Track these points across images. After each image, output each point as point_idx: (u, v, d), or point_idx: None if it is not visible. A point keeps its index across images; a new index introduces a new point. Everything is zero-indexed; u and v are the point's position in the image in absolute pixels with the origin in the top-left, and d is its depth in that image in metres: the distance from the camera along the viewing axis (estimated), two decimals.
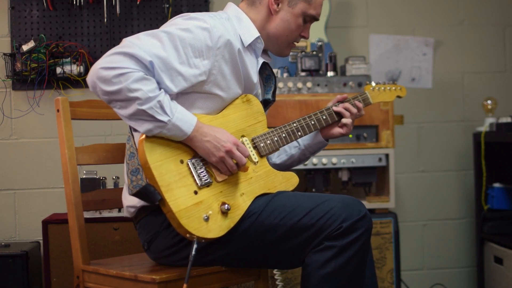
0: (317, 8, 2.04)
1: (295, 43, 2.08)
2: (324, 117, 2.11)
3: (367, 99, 2.21)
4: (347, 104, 2.13)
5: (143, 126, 1.77)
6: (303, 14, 2.02)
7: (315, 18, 2.05)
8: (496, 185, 3.23)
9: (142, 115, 1.75)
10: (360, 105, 2.16)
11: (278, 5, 2.00)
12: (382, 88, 2.27)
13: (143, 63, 1.74)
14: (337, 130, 2.13)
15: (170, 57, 1.79)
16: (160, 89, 1.78)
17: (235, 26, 1.97)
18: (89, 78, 1.76)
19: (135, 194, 1.79)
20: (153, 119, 1.75)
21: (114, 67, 1.72)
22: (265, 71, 2.10)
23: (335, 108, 2.12)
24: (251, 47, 2.00)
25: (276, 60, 3.01)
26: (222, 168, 1.85)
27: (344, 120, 2.12)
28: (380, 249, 2.92)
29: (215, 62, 1.87)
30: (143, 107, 1.73)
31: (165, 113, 1.76)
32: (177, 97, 1.87)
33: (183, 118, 1.79)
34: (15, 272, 2.82)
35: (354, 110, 2.13)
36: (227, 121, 1.92)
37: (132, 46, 1.75)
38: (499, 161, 3.29)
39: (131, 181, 1.87)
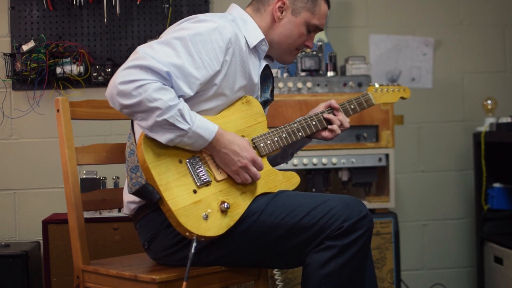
0: (320, 19, 2.05)
1: (298, 50, 2.09)
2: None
3: (369, 100, 2.20)
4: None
5: (164, 136, 1.77)
6: (306, 23, 2.03)
7: (319, 28, 2.07)
8: (496, 185, 3.23)
9: (163, 125, 1.75)
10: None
11: (282, 13, 2.02)
12: (385, 89, 2.25)
13: (160, 74, 1.75)
14: (324, 133, 2.10)
15: (185, 64, 1.80)
16: (178, 97, 1.79)
17: (240, 27, 1.98)
18: (108, 94, 1.77)
19: (134, 193, 1.80)
20: (174, 127, 1.76)
21: (132, 80, 1.72)
22: (264, 71, 2.10)
23: (328, 115, 2.11)
24: (255, 49, 2.02)
25: None
26: (237, 179, 1.86)
27: (333, 127, 2.09)
28: (380, 249, 2.92)
29: (225, 62, 1.88)
30: (164, 117, 1.74)
31: (186, 121, 1.76)
32: None
33: (203, 126, 1.80)
34: (15, 272, 2.82)
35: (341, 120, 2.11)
36: (227, 122, 1.92)
37: (146, 57, 1.75)
38: (499, 161, 3.29)
39: (131, 178, 1.88)
